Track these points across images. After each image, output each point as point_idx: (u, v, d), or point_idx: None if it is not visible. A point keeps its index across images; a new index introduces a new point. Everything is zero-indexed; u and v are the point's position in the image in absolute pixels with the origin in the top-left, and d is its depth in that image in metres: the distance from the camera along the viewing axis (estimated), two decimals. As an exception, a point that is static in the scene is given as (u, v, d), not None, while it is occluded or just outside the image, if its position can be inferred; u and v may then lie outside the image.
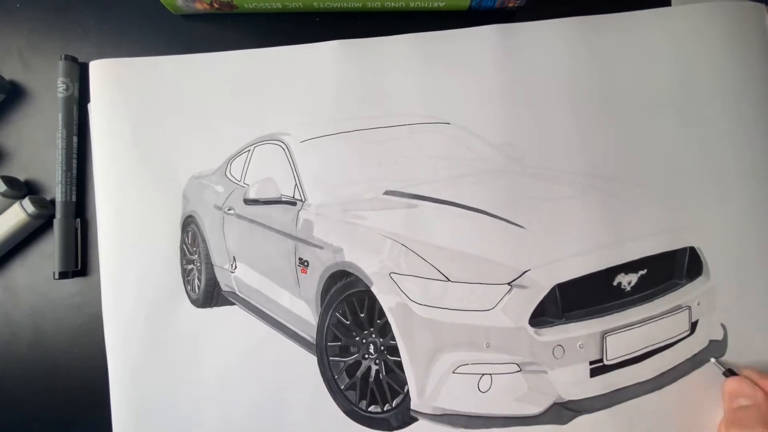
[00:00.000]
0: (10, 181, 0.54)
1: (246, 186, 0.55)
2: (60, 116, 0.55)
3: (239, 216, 0.56)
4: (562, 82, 0.54)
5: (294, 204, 0.54)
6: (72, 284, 0.55)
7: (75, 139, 0.56)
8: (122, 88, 0.54)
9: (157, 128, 0.54)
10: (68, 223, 0.54)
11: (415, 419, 0.49)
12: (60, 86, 0.55)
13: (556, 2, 0.55)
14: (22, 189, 0.55)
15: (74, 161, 0.56)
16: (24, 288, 0.56)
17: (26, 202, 0.53)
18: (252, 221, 0.55)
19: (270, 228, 0.55)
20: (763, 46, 0.54)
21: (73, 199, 0.55)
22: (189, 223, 0.56)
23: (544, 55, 0.54)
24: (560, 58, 0.54)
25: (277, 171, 0.55)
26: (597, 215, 0.51)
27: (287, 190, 0.55)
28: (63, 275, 0.54)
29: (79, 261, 0.55)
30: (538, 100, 0.54)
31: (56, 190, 0.54)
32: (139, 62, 0.55)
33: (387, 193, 0.53)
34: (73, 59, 0.56)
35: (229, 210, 0.57)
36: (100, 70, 0.55)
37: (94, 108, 0.54)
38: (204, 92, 0.55)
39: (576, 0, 0.55)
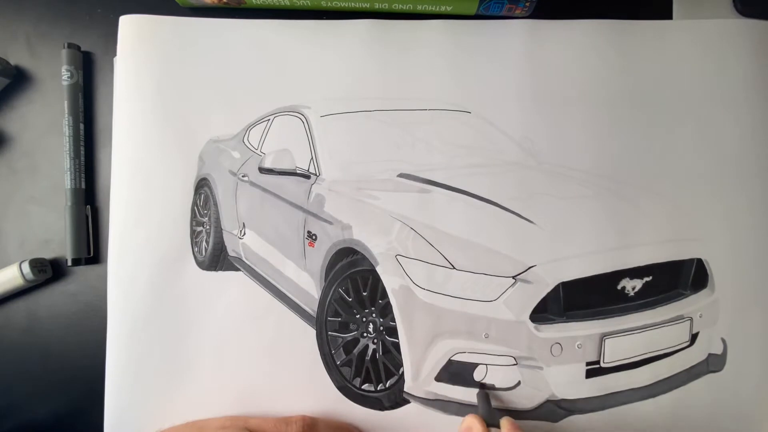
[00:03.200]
0: (36, 264, 0.54)
1: (262, 155, 0.55)
2: (66, 104, 0.55)
3: (253, 183, 0.56)
4: (586, 82, 0.54)
5: (308, 177, 0.54)
6: (67, 271, 0.56)
7: (81, 126, 0.56)
8: (149, 44, 0.55)
9: (180, 88, 0.54)
10: (79, 209, 0.55)
11: (407, 401, 0.49)
12: (64, 74, 0.55)
13: (561, 11, 0.55)
14: (48, 272, 0.55)
15: (82, 148, 0.56)
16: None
17: (25, 265, 0.53)
18: (265, 190, 0.56)
19: (282, 198, 0.55)
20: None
21: (83, 186, 0.55)
22: (202, 186, 0.56)
23: (571, 54, 0.54)
24: (587, 58, 0.54)
25: (294, 143, 0.55)
26: (608, 217, 0.51)
27: (303, 163, 0.55)
28: (76, 262, 0.54)
29: (91, 248, 0.55)
30: (561, 98, 0.54)
31: (65, 178, 0.55)
32: (168, 21, 0.55)
33: (401, 175, 0.53)
34: (77, 47, 0.56)
35: (243, 176, 0.57)
36: (129, 25, 0.55)
37: (119, 62, 0.55)
38: (230, 57, 0.55)
39: (581, 9, 0.55)
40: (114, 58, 0.55)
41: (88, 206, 0.56)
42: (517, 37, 0.55)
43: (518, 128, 0.53)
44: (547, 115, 0.54)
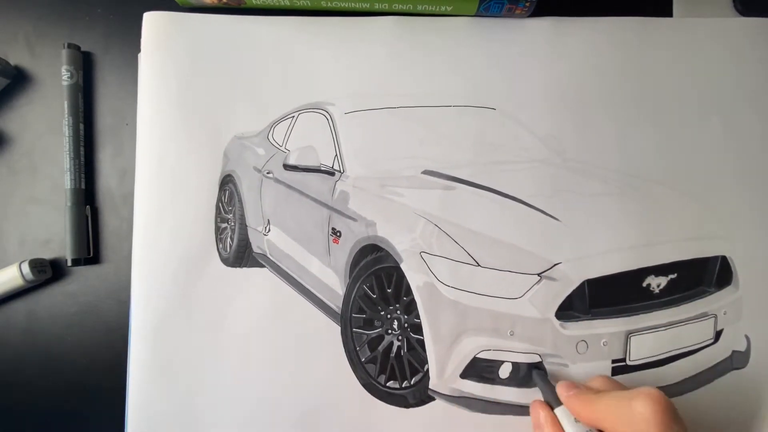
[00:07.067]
0: (36, 265, 0.54)
1: (287, 151, 0.55)
2: (66, 104, 0.55)
3: (277, 180, 0.56)
4: (610, 79, 0.54)
5: (332, 174, 0.54)
6: (67, 271, 0.56)
7: (81, 126, 0.56)
8: (174, 41, 0.55)
9: (205, 84, 0.54)
10: (79, 210, 0.55)
11: (432, 399, 0.49)
12: (64, 74, 0.55)
13: (562, 11, 0.55)
14: (48, 273, 0.55)
15: (81, 149, 0.56)
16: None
17: (25, 266, 0.53)
18: (289, 187, 0.56)
19: (306, 195, 0.55)
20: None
21: (83, 186, 0.55)
22: (227, 182, 0.56)
23: (596, 51, 0.55)
24: (611, 56, 0.55)
25: (319, 140, 0.55)
26: (632, 215, 0.51)
27: (327, 160, 0.55)
28: (75, 262, 0.54)
29: (91, 248, 0.55)
30: (586, 96, 0.54)
31: (65, 178, 0.55)
32: (192, 18, 0.55)
33: (425, 172, 0.53)
34: (77, 47, 0.56)
35: (268, 173, 0.57)
36: (153, 22, 0.55)
37: (144, 59, 0.54)
38: (255, 54, 0.55)
39: (581, 9, 0.55)
40: (138, 54, 0.55)
41: (88, 206, 0.55)
42: (542, 34, 0.55)
43: (543, 125, 0.54)
44: (572, 112, 0.54)
